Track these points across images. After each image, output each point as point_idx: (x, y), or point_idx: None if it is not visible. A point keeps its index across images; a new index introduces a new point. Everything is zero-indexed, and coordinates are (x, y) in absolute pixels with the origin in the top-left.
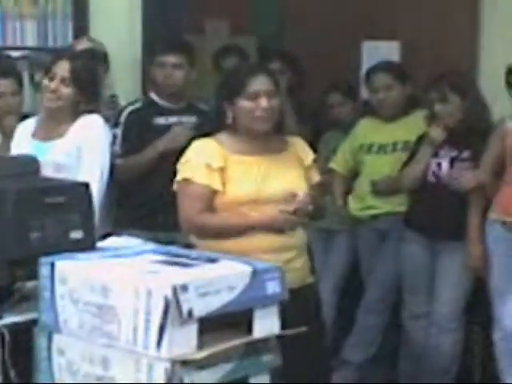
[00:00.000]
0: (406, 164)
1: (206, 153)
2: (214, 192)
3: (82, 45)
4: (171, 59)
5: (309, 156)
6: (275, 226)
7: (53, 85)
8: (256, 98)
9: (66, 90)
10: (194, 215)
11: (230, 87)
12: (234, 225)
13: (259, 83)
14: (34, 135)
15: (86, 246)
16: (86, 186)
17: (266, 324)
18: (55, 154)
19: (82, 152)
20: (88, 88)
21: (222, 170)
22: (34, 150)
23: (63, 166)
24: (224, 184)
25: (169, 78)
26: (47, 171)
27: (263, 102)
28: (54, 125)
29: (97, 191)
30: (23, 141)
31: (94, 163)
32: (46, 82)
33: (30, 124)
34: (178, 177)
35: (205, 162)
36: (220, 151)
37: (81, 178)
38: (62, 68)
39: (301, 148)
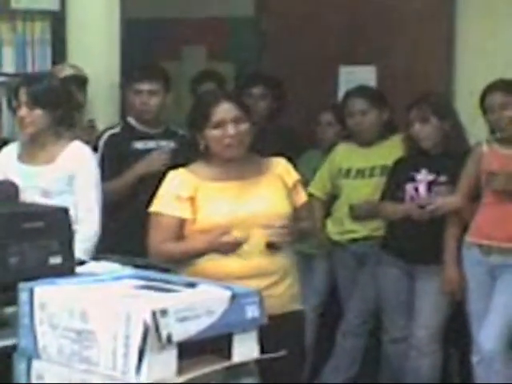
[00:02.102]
0: (384, 189)
1: (176, 183)
2: (183, 221)
3: (64, 71)
4: (147, 86)
5: (292, 177)
6: (221, 250)
7: (21, 112)
8: (222, 126)
9: (34, 114)
10: (158, 244)
11: (196, 117)
12: (193, 250)
13: (223, 111)
14: (20, 159)
15: (65, 271)
16: (65, 211)
17: (246, 348)
18: (44, 180)
19: (76, 183)
20: (57, 108)
21: (192, 199)
22: (22, 174)
23: (52, 192)
24: (195, 212)
25: (145, 105)
26: (34, 196)
27: (230, 130)
28: (38, 149)
29: (97, 225)
30: (9, 165)
31: (91, 200)
32: (17, 112)
33: (12, 149)
34: (150, 209)
35: (174, 194)
36: (190, 180)
37: (80, 215)
38: (22, 94)
39: (283, 169)
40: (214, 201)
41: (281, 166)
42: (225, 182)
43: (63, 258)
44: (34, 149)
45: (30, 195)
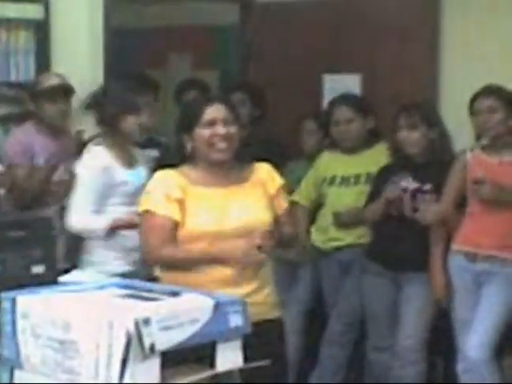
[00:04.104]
0: (369, 196)
1: (166, 183)
2: (175, 223)
3: (50, 80)
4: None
5: (275, 182)
6: (234, 261)
7: None
8: (212, 125)
9: None
10: (156, 248)
11: (187, 118)
12: (196, 258)
13: (215, 111)
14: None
15: (48, 280)
16: (48, 220)
17: (229, 357)
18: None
19: None
20: None
21: (180, 201)
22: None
23: None
24: (183, 216)
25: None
26: None
27: (220, 129)
28: None
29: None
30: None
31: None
32: None
33: None
34: (139, 208)
35: (164, 193)
36: (179, 181)
37: None
38: None
39: (266, 175)
40: (202, 207)
41: (264, 172)
42: (211, 187)
43: (46, 267)
44: None
45: None
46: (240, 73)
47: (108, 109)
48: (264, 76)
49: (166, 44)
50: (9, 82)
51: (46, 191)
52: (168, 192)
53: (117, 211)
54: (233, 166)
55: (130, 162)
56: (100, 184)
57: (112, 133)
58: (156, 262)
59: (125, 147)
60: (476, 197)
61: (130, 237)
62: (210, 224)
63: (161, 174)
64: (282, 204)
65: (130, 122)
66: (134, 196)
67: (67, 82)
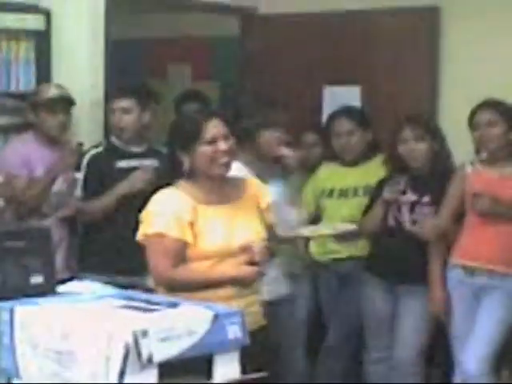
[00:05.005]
0: (367, 208)
1: (177, 205)
2: (186, 245)
3: (50, 92)
4: (119, 104)
5: (266, 198)
6: (243, 280)
7: None
8: (214, 142)
9: None
10: (167, 270)
11: (185, 134)
12: (207, 279)
13: (215, 127)
14: None
15: (47, 290)
16: (47, 230)
17: (227, 369)
18: None
19: None
20: None
21: (191, 222)
22: None
23: None
24: (193, 237)
25: (119, 123)
26: None
27: (222, 146)
28: None
29: None
30: None
31: None
32: None
33: None
34: (148, 230)
35: (176, 215)
36: (189, 203)
37: None
38: None
39: (258, 190)
40: (211, 226)
41: (255, 187)
42: (216, 205)
43: (44, 278)
44: None
45: None
46: (239, 84)
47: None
48: (264, 88)
49: (166, 55)
50: (9, 92)
51: (45, 202)
52: (180, 214)
53: None
54: (227, 180)
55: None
56: None
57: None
58: (169, 285)
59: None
60: (474, 210)
61: None
62: (219, 242)
63: (168, 194)
64: (270, 219)
65: (267, 137)
66: None
67: (67, 93)
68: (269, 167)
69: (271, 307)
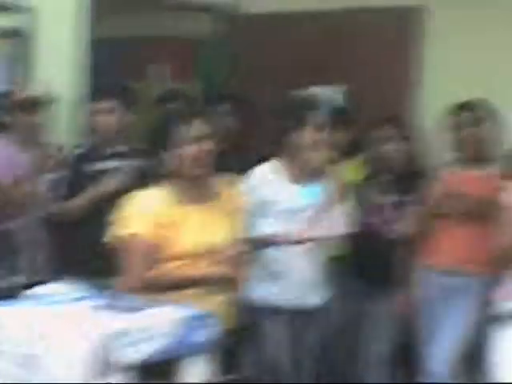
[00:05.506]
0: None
1: (151, 205)
2: (160, 245)
3: (26, 91)
4: (102, 105)
5: (239, 198)
6: (212, 280)
7: None
8: (197, 142)
9: None
10: (140, 272)
11: (167, 134)
12: (179, 280)
13: (198, 127)
14: None
15: (11, 292)
16: (10, 233)
17: (197, 371)
18: None
19: None
20: None
21: (166, 222)
22: None
23: None
24: (166, 237)
25: (99, 124)
26: None
27: (205, 145)
28: None
29: None
30: None
31: None
32: None
33: None
34: (122, 231)
35: (149, 216)
36: (165, 203)
37: None
38: None
39: (233, 192)
40: (186, 227)
41: (231, 188)
42: (193, 205)
43: (7, 280)
44: None
45: None
46: (223, 84)
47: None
48: (248, 88)
49: (146, 55)
50: None
51: (11, 204)
52: (153, 214)
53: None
54: (206, 180)
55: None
56: None
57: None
58: (141, 286)
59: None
60: (450, 210)
61: None
62: (192, 242)
63: (142, 195)
64: (241, 221)
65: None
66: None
67: (44, 93)
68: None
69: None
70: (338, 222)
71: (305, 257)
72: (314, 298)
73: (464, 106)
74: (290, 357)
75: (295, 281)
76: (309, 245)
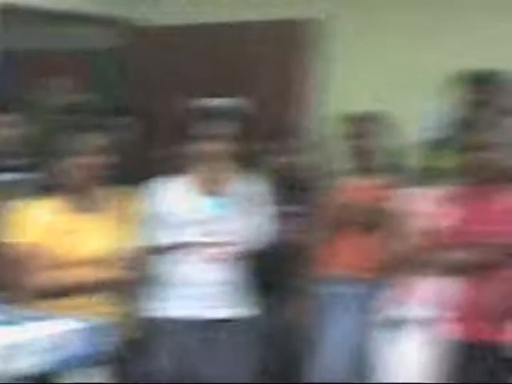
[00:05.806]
0: None
1: (40, 214)
2: (47, 254)
3: None
4: (3, 118)
5: (132, 208)
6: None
7: None
8: (88, 154)
9: None
10: (29, 278)
11: (55, 147)
12: (62, 287)
13: (90, 140)
14: None
15: None
16: None
17: (96, 381)
18: None
19: None
20: None
21: (54, 232)
22: None
23: None
24: (47, 244)
25: (2, 137)
26: None
27: (96, 159)
28: None
29: None
30: None
31: None
32: None
33: None
34: (5, 239)
35: (31, 223)
36: (53, 212)
37: None
38: None
39: (123, 202)
40: (74, 236)
41: (125, 199)
42: (81, 215)
43: None
44: None
45: None
46: (121, 97)
47: None
48: (142, 100)
49: (47, 67)
50: None
51: None
52: (41, 222)
53: None
54: (95, 191)
55: None
56: None
57: None
58: (27, 294)
59: None
60: (346, 219)
61: None
62: (81, 250)
63: (32, 205)
64: (131, 231)
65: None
66: None
67: None
68: None
69: None
70: (247, 232)
71: (207, 267)
72: (221, 309)
73: (359, 117)
74: (188, 370)
75: (195, 291)
76: (212, 255)
